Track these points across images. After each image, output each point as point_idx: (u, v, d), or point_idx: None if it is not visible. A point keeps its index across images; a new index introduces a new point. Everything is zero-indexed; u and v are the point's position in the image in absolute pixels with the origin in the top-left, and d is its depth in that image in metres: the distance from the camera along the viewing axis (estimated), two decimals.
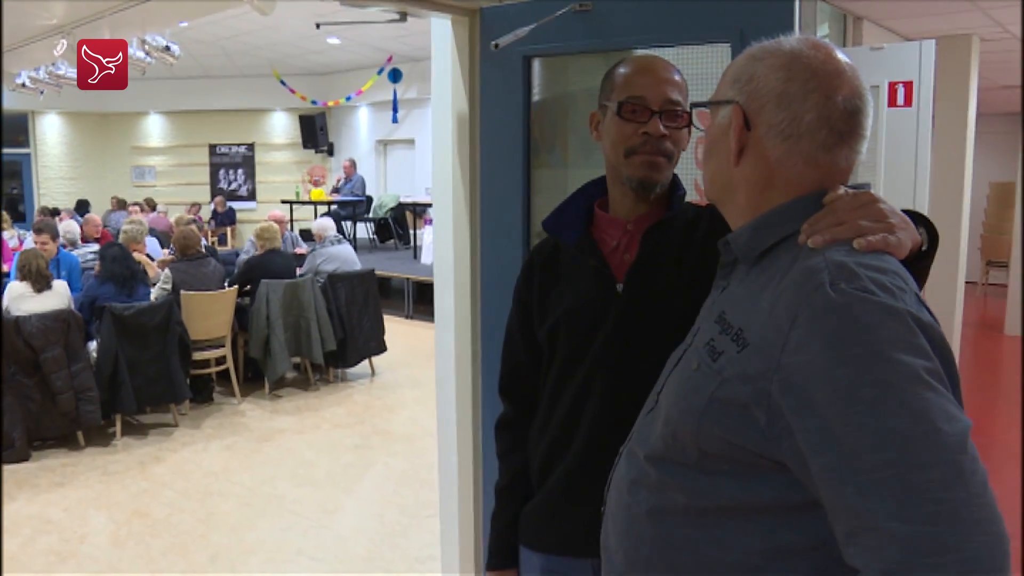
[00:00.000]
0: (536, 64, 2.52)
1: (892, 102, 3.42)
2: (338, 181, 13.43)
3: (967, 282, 6.09)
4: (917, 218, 1.08)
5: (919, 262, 1.04)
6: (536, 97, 2.54)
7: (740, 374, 0.96)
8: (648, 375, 1.35)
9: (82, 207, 12.97)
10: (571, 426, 1.55)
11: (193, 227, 7.16)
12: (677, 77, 1.52)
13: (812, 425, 0.87)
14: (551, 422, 1.59)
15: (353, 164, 13.29)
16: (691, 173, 2.38)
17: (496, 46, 2.28)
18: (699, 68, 2.28)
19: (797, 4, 2.02)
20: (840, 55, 1.06)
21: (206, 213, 13.53)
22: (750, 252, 1.07)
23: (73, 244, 7.13)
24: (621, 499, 1.17)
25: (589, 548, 1.46)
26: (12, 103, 11.96)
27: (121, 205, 12.85)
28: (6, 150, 14.56)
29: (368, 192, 13.51)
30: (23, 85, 7.94)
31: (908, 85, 3.51)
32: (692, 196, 2.36)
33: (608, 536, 1.21)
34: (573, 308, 1.55)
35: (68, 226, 7.40)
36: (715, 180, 1.15)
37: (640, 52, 1.57)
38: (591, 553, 1.45)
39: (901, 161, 3.55)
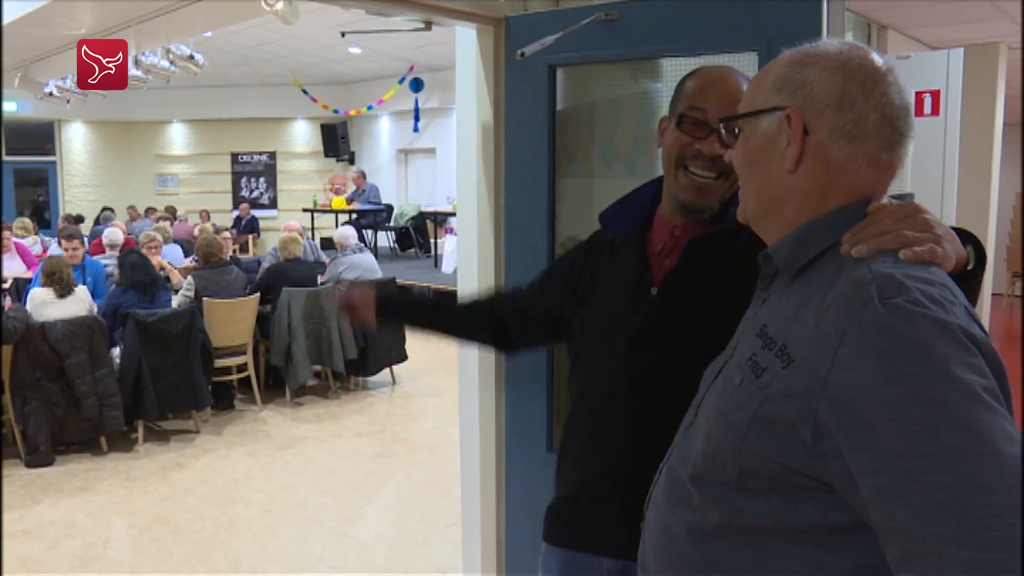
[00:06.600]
0: (560, 73, 2.52)
1: (919, 111, 3.40)
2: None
3: (993, 294, 6.03)
4: (964, 236, 1.06)
5: (965, 281, 1.01)
6: (560, 106, 2.53)
7: (785, 391, 0.94)
8: (676, 382, 1.36)
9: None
10: (597, 425, 1.56)
11: (217, 235, 7.21)
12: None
13: (863, 445, 0.84)
14: (578, 422, 1.61)
15: (363, 175, 13.30)
16: None
17: (522, 55, 2.28)
18: None
19: (825, 12, 2.00)
20: (877, 54, 1.06)
21: (221, 220, 13.52)
22: (793, 264, 1.05)
23: (114, 247, 7.25)
24: (660, 516, 1.15)
25: (604, 547, 1.52)
26: (39, 112, 12.13)
27: (134, 216, 12.84)
28: (33, 158, 14.78)
29: (389, 201, 13.55)
30: (50, 94, 8.02)
31: (935, 94, 3.49)
32: None
33: (646, 554, 1.18)
34: (607, 302, 1.56)
35: (113, 234, 7.49)
36: (761, 192, 1.11)
37: (713, 65, 1.55)
38: (606, 552, 1.52)
39: (929, 171, 3.53)
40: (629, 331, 1.50)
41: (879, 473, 0.82)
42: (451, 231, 10.75)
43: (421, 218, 12.96)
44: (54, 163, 14.93)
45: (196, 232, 9.34)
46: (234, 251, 9.33)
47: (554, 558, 1.63)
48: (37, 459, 5.04)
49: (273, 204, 15.56)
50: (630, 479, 1.45)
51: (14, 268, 7.27)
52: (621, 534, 1.46)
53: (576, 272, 1.68)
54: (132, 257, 5.79)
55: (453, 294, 1.77)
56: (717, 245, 1.48)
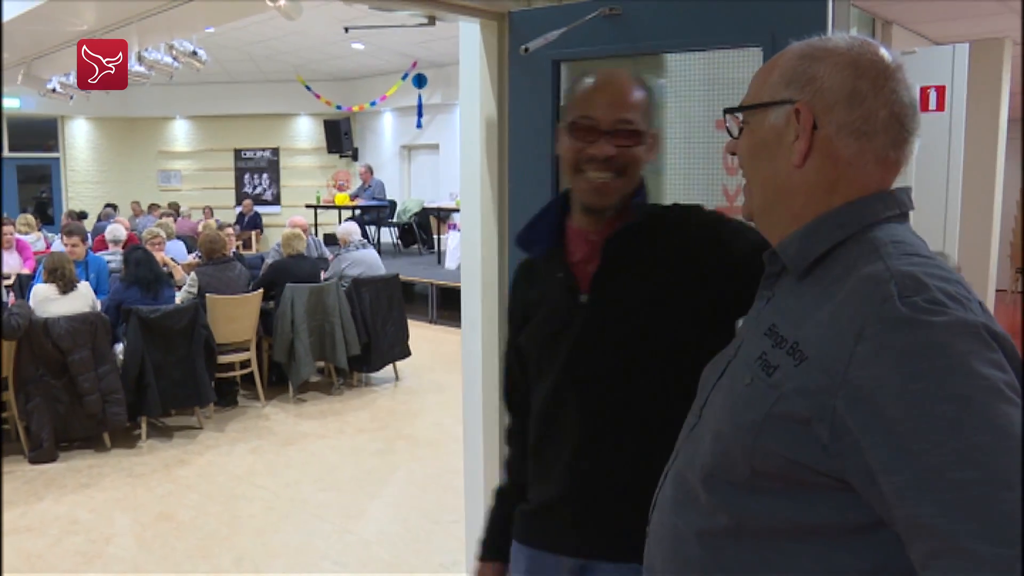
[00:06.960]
0: (564, 68, 2.51)
1: (924, 107, 3.38)
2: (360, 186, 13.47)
3: (997, 290, 6.00)
4: None
5: None
6: (564, 102, 2.52)
7: (799, 388, 0.93)
8: (621, 384, 1.47)
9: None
10: (553, 435, 1.59)
11: (220, 231, 7.21)
12: (636, 95, 1.50)
13: (885, 442, 0.83)
14: (537, 431, 1.64)
15: (370, 170, 13.30)
16: (718, 179, 2.36)
17: (526, 50, 2.27)
18: (730, 72, 2.26)
19: (830, 7, 1.99)
20: (886, 50, 1.05)
21: (225, 216, 13.50)
22: (801, 262, 1.04)
23: (116, 243, 7.28)
24: (666, 520, 1.14)
25: (562, 547, 1.57)
26: (42, 108, 12.12)
27: (137, 212, 12.84)
28: (37, 155, 14.80)
29: (392, 197, 13.54)
30: (53, 90, 8.02)
31: (940, 89, 3.48)
32: (720, 202, 2.34)
33: (653, 558, 1.18)
34: (542, 320, 1.59)
35: (116, 230, 7.52)
36: (767, 185, 1.10)
37: (603, 69, 1.57)
38: (565, 552, 1.56)
39: (933, 166, 3.52)
40: (567, 341, 1.53)
41: (903, 470, 0.82)
42: (454, 227, 10.75)
43: (424, 214, 12.96)
44: (57, 159, 14.94)
45: (199, 228, 9.36)
46: (237, 247, 9.33)
47: (521, 555, 1.67)
48: (40, 455, 5.04)
49: (276, 200, 15.56)
50: (585, 482, 1.52)
51: (11, 264, 7.28)
52: (578, 535, 1.53)
53: (515, 307, 1.71)
54: (136, 253, 5.79)
55: (522, 480, 1.74)
56: (632, 240, 1.51)
